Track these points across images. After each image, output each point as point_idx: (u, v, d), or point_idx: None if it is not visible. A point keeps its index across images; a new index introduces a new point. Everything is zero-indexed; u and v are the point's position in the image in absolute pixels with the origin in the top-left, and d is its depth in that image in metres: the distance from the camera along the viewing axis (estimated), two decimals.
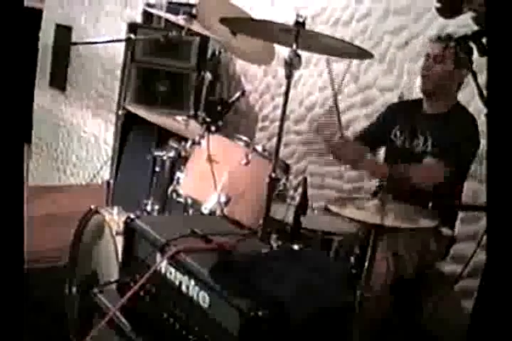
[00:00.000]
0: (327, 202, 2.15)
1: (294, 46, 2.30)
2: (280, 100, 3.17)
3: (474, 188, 2.97)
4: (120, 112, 3.59)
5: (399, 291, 2.50)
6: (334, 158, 2.80)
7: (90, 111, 6.30)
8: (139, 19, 4.88)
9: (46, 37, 7.00)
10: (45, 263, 3.28)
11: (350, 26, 3.83)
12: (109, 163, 4.51)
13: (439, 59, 2.73)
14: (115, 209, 2.80)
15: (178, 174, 2.74)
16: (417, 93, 3.04)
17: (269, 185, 2.32)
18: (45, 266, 3.27)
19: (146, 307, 1.97)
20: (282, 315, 1.64)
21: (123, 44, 4.25)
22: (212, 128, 2.70)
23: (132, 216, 2.10)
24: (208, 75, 3.80)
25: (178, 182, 2.71)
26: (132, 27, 4.32)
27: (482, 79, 1.63)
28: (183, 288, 1.82)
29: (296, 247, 1.99)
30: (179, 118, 3.20)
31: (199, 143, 2.71)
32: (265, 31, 2.52)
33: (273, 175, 2.32)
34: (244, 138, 2.70)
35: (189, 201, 2.63)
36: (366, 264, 2.04)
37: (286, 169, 2.75)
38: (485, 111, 1.55)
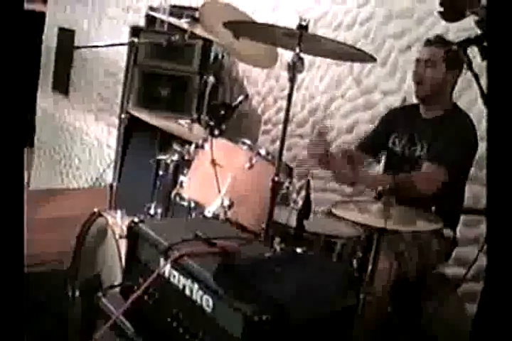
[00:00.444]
0: (330, 205, 2.15)
1: (297, 50, 2.30)
2: (283, 103, 3.17)
3: (476, 191, 2.97)
4: (123, 116, 3.59)
5: (401, 293, 2.50)
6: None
7: (93, 114, 6.31)
8: (141, 23, 4.88)
9: (49, 40, 7.02)
10: (48, 266, 3.29)
11: (352, 30, 3.83)
12: (112, 166, 4.51)
13: (430, 63, 2.74)
14: (118, 213, 2.80)
15: (181, 177, 2.74)
16: None
17: (273, 189, 2.33)
18: (47, 269, 3.28)
19: (150, 310, 1.96)
20: (286, 318, 1.64)
21: (126, 48, 4.25)
22: (216, 132, 2.70)
23: (136, 220, 2.10)
24: (211, 79, 3.82)
25: (181, 186, 2.71)
26: (135, 30, 4.33)
27: (485, 81, 1.63)
28: (187, 291, 1.81)
29: (299, 250, 1.99)
30: (182, 121, 3.21)
31: (202, 147, 2.72)
32: (268, 35, 2.52)
33: (276, 178, 2.33)
34: (248, 141, 2.69)
35: (192, 204, 2.63)
36: (369, 267, 2.04)
37: (290, 172, 2.75)
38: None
